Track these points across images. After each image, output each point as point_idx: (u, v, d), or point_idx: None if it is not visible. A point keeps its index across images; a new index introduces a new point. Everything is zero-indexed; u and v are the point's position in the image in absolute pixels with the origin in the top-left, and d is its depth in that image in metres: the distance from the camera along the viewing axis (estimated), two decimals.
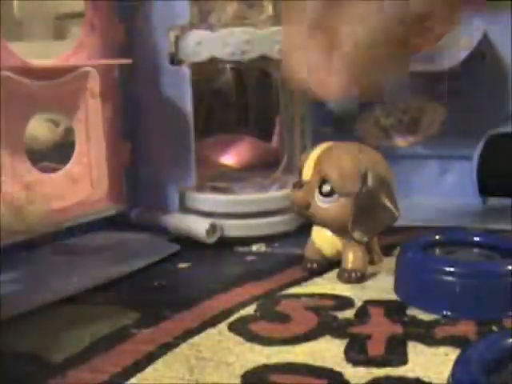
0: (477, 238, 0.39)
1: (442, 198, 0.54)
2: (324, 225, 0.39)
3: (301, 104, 0.51)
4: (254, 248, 0.45)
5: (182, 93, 0.46)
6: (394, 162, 0.55)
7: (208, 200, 0.47)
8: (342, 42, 0.31)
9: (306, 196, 0.39)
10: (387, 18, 0.29)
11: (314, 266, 0.40)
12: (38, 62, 0.42)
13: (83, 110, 0.44)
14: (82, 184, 0.44)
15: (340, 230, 0.38)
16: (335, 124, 0.54)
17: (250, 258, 0.44)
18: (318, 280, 0.39)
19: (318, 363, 0.29)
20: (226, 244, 0.45)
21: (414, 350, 0.30)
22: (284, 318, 0.34)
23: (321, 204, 0.38)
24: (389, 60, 0.31)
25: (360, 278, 0.38)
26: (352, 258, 0.38)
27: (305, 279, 0.39)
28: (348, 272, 0.38)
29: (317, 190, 0.38)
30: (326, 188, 0.38)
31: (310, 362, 0.29)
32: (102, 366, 0.29)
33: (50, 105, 0.43)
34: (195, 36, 0.45)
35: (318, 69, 0.32)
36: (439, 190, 0.54)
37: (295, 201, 0.40)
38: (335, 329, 0.32)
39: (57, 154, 0.55)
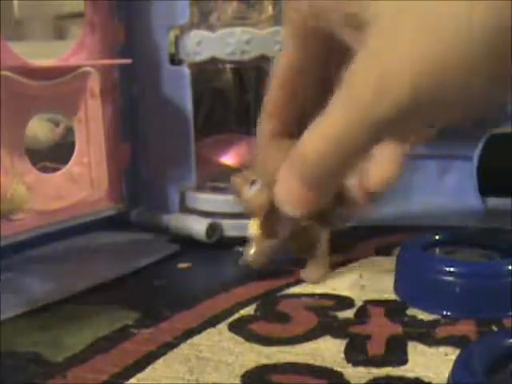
0: (477, 238, 0.39)
1: (442, 198, 0.54)
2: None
3: None
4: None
5: (182, 93, 0.46)
6: None
7: (208, 200, 0.47)
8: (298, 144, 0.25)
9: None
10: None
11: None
12: (38, 62, 0.42)
13: (83, 110, 0.44)
14: (81, 184, 0.44)
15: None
16: None
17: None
18: None
19: (318, 363, 0.29)
20: (225, 244, 0.45)
21: (414, 350, 0.30)
22: (284, 318, 0.34)
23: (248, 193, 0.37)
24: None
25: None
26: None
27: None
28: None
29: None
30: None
31: (310, 361, 0.29)
32: (102, 365, 0.29)
33: (49, 105, 0.43)
34: (195, 36, 0.45)
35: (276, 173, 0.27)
36: (439, 190, 0.54)
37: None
38: (335, 329, 0.32)
39: (57, 154, 0.55)
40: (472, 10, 0.20)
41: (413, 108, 0.22)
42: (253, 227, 0.38)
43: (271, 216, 0.35)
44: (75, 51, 0.45)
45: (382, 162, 0.34)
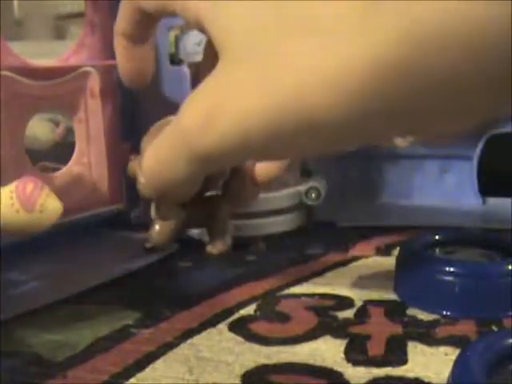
0: (477, 238, 0.39)
1: (442, 198, 0.54)
2: None
3: None
4: (254, 248, 0.45)
5: (181, 93, 0.46)
6: (394, 162, 0.55)
7: None
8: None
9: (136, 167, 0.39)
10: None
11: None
12: (38, 62, 0.42)
13: (83, 109, 0.44)
14: (81, 184, 0.44)
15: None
16: None
17: (249, 257, 0.44)
18: (317, 280, 0.39)
19: (318, 363, 0.29)
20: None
21: (414, 349, 0.30)
22: (284, 318, 0.34)
23: None
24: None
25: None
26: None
27: (305, 279, 0.39)
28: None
29: None
30: None
31: (310, 361, 0.29)
32: (102, 365, 0.29)
33: (50, 105, 0.43)
34: (195, 36, 0.45)
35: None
36: (439, 190, 0.54)
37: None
38: (335, 329, 0.32)
39: (57, 154, 0.55)
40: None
41: (237, 148, 0.22)
42: (153, 210, 0.39)
43: (163, 198, 0.36)
44: (75, 51, 0.45)
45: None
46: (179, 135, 0.23)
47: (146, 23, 0.28)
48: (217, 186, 0.38)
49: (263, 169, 0.36)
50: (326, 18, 0.19)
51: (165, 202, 0.36)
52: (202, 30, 0.23)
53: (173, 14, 0.25)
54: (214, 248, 0.40)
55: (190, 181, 0.25)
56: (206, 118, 0.22)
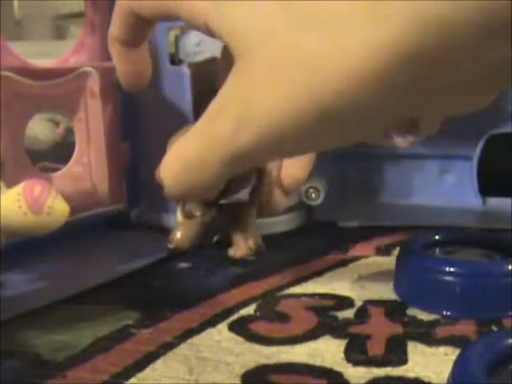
0: (477, 238, 0.39)
1: (442, 198, 0.54)
2: None
3: None
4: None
5: (181, 93, 0.46)
6: (394, 162, 0.55)
7: None
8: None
9: None
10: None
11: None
12: (38, 62, 0.42)
13: (83, 109, 0.44)
14: (82, 184, 0.44)
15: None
16: None
17: (249, 257, 0.43)
18: (318, 280, 0.39)
19: (318, 363, 0.29)
20: (226, 244, 0.45)
21: (414, 349, 0.30)
22: (284, 318, 0.34)
23: None
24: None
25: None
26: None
27: (305, 279, 0.39)
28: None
29: None
30: None
31: (310, 361, 0.29)
32: (102, 365, 0.29)
33: (50, 105, 0.43)
34: (195, 36, 0.45)
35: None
36: (439, 190, 0.54)
37: None
38: (335, 329, 0.32)
39: (57, 154, 0.55)
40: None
41: (272, 144, 0.22)
42: (179, 213, 0.39)
43: (188, 199, 0.36)
44: (75, 51, 0.45)
45: (293, 161, 0.36)
46: (211, 139, 0.23)
47: (141, 27, 0.28)
48: (240, 189, 0.38)
49: (289, 175, 0.36)
50: (336, 9, 0.19)
51: (190, 201, 0.37)
52: (212, 33, 0.24)
53: (174, 19, 0.25)
54: (237, 252, 0.40)
55: (219, 182, 0.25)
56: (238, 120, 0.22)
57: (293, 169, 0.36)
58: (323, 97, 0.20)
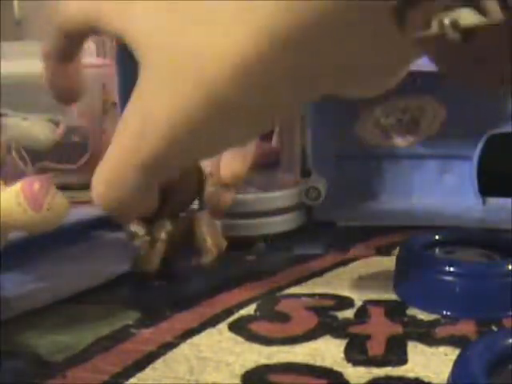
0: (477, 238, 0.39)
1: (442, 198, 0.54)
2: None
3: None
4: (254, 248, 0.45)
5: None
6: (394, 162, 0.55)
7: None
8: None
9: None
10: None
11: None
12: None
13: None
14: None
15: None
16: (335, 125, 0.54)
17: (250, 257, 0.44)
18: (317, 280, 0.39)
19: (318, 363, 0.29)
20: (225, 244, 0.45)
21: (414, 349, 0.30)
22: (284, 318, 0.34)
23: None
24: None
25: None
26: None
27: (305, 279, 0.39)
28: None
29: None
30: None
31: (310, 361, 0.29)
32: (102, 365, 0.29)
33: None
34: None
35: None
36: (439, 190, 0.54)
37: None
38: (335, 329, 0.32)
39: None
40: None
41: (179, 147, 0.23)
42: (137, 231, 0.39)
43: (128, 220, 0.36)
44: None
45: (231, 157, 0.36)
46: (121, 153, 0.24)
47: (72, 43, 0.28)
48: (187, 199, 0.38)
49: (228, 171, 0.37)
50: (212, 11, 0.21)
51: (128, 221, 0.36)
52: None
53: (98, 32, 0.25)
54: (198, 261, 0.40)
55: (143, 192, 0.26)
56: (141, 129, 0.23)
57: (230, 164, 0.37)
58: (213, 89, 0.21)
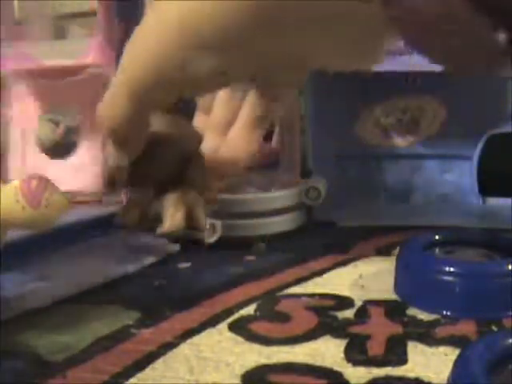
0: (477, 238, 0.39)
1: (442, 198, 0.54)
2: None
3: (301, 104, 0.51)
4: (254, 248, 0.45)
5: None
6: (394, 162, 0.55)
7: None
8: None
9: None
10: None
11: None
12: (50, 62, 0.42)
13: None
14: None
15: None
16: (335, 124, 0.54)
17: (249, 257, 0.44)
18: (318, 280, 0.39)
19: (318, 363, 0.29)
20: (226, 244, 0.45)
21: (414, 349, 0.30)
22: (284, 318, 0.34)
23: None
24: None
25: None
26: None
27: (305, 279, 0.39)
28: None
29: None
30: None
31: (310, 362, 0.29)
32: (102, 365, 0.29)
33: (61, 102, 0.43)
34: None
35: None
36: (439, 190, 0.54)
37: None
38: (335, 329, 0.32)
39: (57, 153, 0.55)
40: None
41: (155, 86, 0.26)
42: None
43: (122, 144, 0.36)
44: (86, 51, 0.45)
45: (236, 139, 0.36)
46: (117, 83, 0.28)
47: None
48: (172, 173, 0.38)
49: (228, 166, 0.36)
50: None
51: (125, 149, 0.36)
52: None
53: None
54: (161, 229, 0.39)
55: (135, 123, 0.29)
56: (128, 65, 0.27)
57: (231, 151, 0.35)
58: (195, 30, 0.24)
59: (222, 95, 0.33)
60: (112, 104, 0.28)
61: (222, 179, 0.36)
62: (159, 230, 0.37)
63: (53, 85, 0.42)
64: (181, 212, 0.37)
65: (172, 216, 0.37)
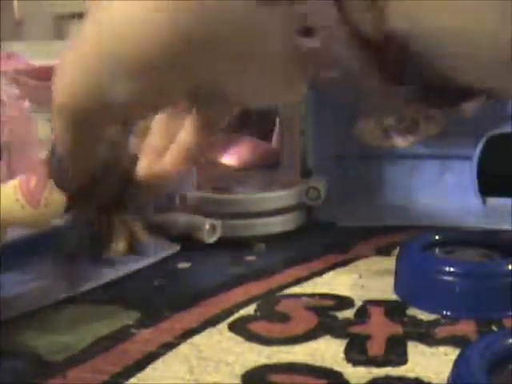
0: (477, 238, 0.39)
1: (442, 198, 0.54)
2: None
3: (301, 104, 0.51)
4: (254, 248, 0.45)
5: None
6: (394, 162, 0.55)
7: (208, 200, 0.47)
8: None
9: None
10: None
11: None
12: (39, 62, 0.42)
13: None
14: None
15: None
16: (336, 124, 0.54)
17: (249, 257, 0.44)
18: (317, 280, 0.39)
19: (318, 363, 0.29)
20: (226, 244, 0.45)
21: (414, 349, 0.30)
22: (284, 318, 0.34)
23: None
24: None
25: None
26: None
27: (305, 279, 0.39)
28: None
29: None
30: None
31: (310, 362, 0.29)
32: (102, 365, 0.29)
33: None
34: None
35: None
36: (439, 190, 0.54)
37: None
38: (335, 329, 0.32)
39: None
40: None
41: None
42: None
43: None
44: None
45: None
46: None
47: None
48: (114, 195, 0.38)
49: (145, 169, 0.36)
50: None
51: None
52: None
53: None
54: (110, 252, 0.40)
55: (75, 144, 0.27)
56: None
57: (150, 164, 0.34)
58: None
59: (160, 119, 0.32)
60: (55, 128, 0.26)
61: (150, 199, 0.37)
62: (105, 255, 0.40)
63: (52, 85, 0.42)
64: (124, 240, 0.40)
65: (116, 244, 0.39)
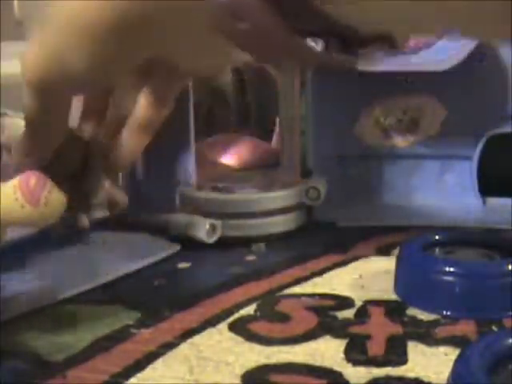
0: (477, 238, 0.39)
1: (442, 198, 0.54)
2: None
3: (301, 104, 0.51)
4: (254, 248, 0.45)
5: (182, 93, 0.46)
6: (394, 162, 0.55)
7: (208, 200, 0.47)
8: None
9: None
10: None
11: None
12: None
13: None
14: None
15: None
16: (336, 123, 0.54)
17: (249, 257, 0.44)
18: (317, 280, 0.39)
19: (318, 363, 0.29)
20: (226, 244, 0.45)
21: (414, 349, 0.30)
22: (284, 318, 0.34)
23: None
24: None
25: None
26: None
27: (305, 279, 0.39)
28: None
29: None
30: None
31: (310, 362, 0.29)
32: (102, 365, 0.29)
33: None
34: None
35: None
36: (439, 190, 0.54)
37: None
38: (335, 329, 0.32)
39: None
40: None
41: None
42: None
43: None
44: None
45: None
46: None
47: None
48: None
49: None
50: None
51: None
52: None
53: None
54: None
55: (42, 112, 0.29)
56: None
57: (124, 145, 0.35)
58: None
59: (116, 95, 0.34)
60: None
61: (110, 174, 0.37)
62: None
63: None
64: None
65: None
